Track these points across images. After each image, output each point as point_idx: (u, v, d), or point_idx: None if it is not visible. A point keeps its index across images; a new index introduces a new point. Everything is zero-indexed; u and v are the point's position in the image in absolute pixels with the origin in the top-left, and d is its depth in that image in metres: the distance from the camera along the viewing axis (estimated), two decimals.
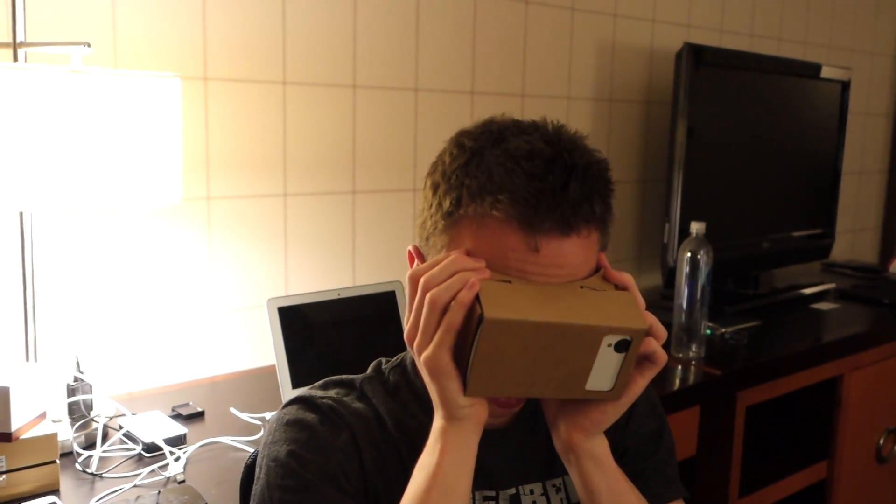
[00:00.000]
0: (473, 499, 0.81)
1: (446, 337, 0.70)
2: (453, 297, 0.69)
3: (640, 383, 0.75)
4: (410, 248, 0.83)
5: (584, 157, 0.74)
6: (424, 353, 0.71)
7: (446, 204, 0.76)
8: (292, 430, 0.80)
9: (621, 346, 0.72)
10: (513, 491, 0.84)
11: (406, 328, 0.75)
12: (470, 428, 0.74)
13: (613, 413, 0.77)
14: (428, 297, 0.71)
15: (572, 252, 0.73)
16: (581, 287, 0.74)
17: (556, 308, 0.70)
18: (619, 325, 0.71)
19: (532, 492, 0.85)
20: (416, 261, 0.82)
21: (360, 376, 0.87)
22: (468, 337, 0.69)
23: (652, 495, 0.87)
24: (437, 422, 0.75)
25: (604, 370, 0.73)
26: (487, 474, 0.83)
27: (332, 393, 0.85)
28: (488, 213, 0.72)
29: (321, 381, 0.87)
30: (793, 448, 2.02)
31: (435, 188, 0.78)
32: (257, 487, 0.80)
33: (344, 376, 0.88)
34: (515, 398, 0.80)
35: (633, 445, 0.91)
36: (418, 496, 0.73)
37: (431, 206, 0.78)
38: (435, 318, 0.70)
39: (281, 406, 0.85)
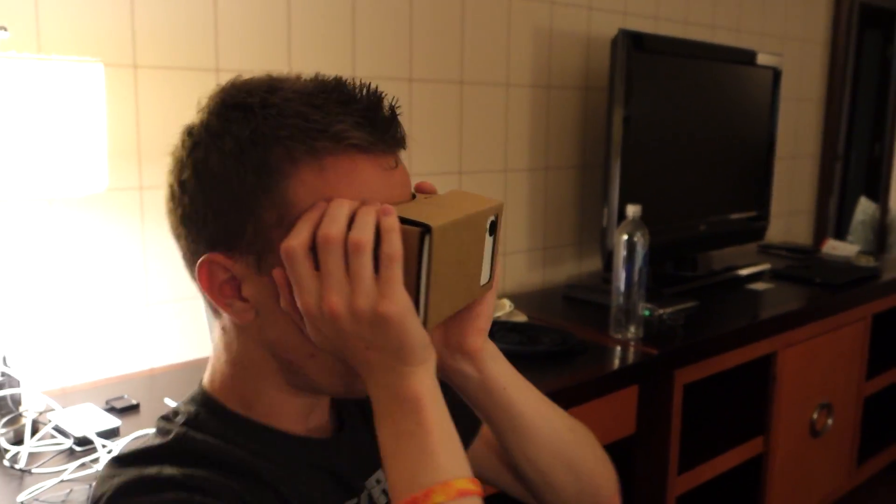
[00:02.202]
0: None
1: (395, 273, 0.61)
2: (375, 232, 0.61)
3: (498, 269, 0.76)
4: (202, 261, 0.66)
5: (363, 83, 0.68)
6: (378, 305, 0.61)
7: (268, 161, 0.63)
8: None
9: (492, 228, 0.72)
10: (365, 489, 0.78)
11: (301, 300, 0.62)
12: (434, 370, 0.66)
13: (493, 302, 0.77)
14: (351, 242, 0.60)
15: (404, 166, 0.70)
16: (425, 197, 0.72)
17: (448, 209, 0.66)
18: (492, 205, 0.71)
19: (378, 481, 0.80)
20: (220, 273, 0.66)
21: (171, 441, 0.68)
22: (408, 270, 0.62)
23: None
24: (396, 382, 0.64)
25: (486, 262, 0.72)
26: (344, 483, 0.76)
27: (172, 471, 0.64)
28: (328, 152, 0.64)
29: (139, 476, 0.63)
30: (729, 424, 2.07)
31: (233, 162, 0.64)
32: None
33: (149, 448, 0.67)
34: None
35: None
36: (427, 466, 0.62)
37: (236, 183, 0.64)
38: (367, 263, 0.61)
39: (99, 478, 0.65)
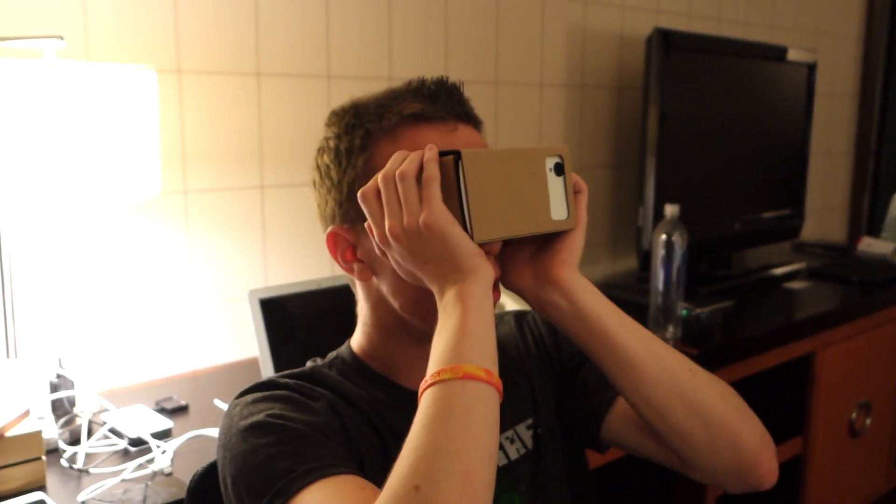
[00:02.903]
0: None
1: (433, 190, 0.71)
2: (420, 165, 0.72)
3: (584, 211, 0.81)
4: (328, 234, 0.84)
5: (444, 78, 0.84)
6: (421, 217, 0.70)
7: (356, 144, 0.81)
8: (262, 403, 0.76)
9: (559, 169, 0.78)
10: None
11: (376, 233, 0.74)
12: (485, 281, 0.72)
13: (579, 241, 0.80)
14: (397, 174, 0.72)
15: (473, 134, 0.83)
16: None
17: (499, 149, 0.77)
18: (549, 148, 0.79)
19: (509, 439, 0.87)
20: (341, 242, 0.83)
21: (304, 368, 0.85)
22: (451, 192, 0.72)
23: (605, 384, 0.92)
24: (449, 289, 0.72)
25: (557, 199, 0.78)
26: None
27: (287, 380, 0.81)
28: (398, 123, 0.80)
29: (265, 379, 0.82)
30: (767, 424, 2.05)
31: (335, 154, 0.82)
32: (229, 462, 0.73)
33: (286, 371, 0.84)
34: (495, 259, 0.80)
35: (572, 363, 0.96)
36: (449, 351, 0.68)
37: (338, 169, 0.82)
38: (412, 187, 0.72)
39: (234, 398, 0.80)
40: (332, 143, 0.84)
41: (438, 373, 0.66)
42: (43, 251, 1.36)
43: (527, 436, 0.90)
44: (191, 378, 1.52)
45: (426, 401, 0.65)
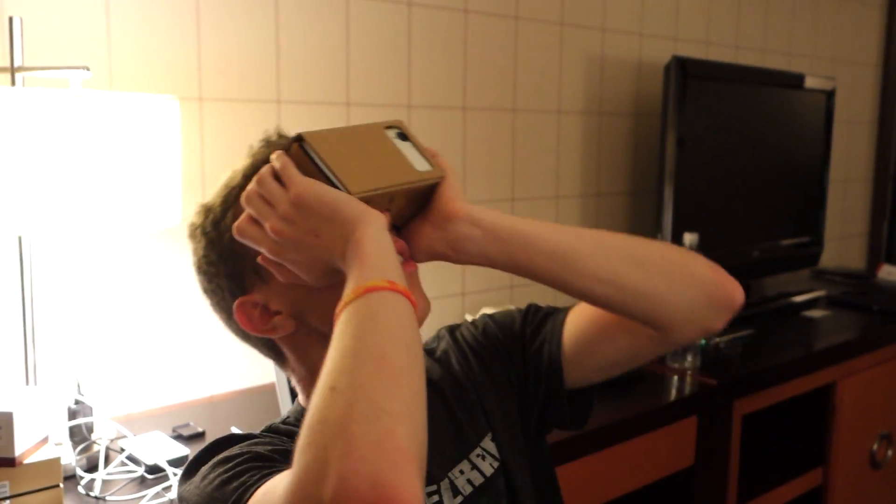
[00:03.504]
0: None
1: (290, 172, 0.72)
2: (271, 170, 0.74)
3: (446, 163, 0.81)
4: (235, 308, 0.81)
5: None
6: (290, 196, 0.71)
7: (217, 218, 0.82)
8: (219, 466, 0.73)
9: (403, 137, 0.80)
10: (446, 480, 0.83)
11: (267, 250, 0.73)
12: (376, 221, 0.70)
13: (456, 184, 0.80)
14: (255, 182, 0.73)
15: None
16: None
17: (336, 127, 0.78)
18: (384, 122, 0.81)
19: (462, 472, 0.84)
20: (249, 307, 0.80)
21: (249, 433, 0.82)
22: (310, 172, 0.73)
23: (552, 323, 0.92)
24: (346, 244, 0.69)
25: (415, 157, 0.79)
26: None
27: (240, 433, 0.80)
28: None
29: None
30: (788, 455, 2.03)
31: (206, 243, 0.83)
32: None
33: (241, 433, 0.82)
34: (407, 254, 0.80)
35: (522, 341, 0.94)
36: (351, 282, 0.66)
37: (213, 249, 0.82)
38: (271, 183, 0.73)
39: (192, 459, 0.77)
40: (200, 249, 0.83)
41: (344, 304, 0.64)
42: (63, 277, 1.37)
43: (492, 447, 0.88)
44: (207, 404, 1.52)
45: (335, 329, 0.63)
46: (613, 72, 2.23)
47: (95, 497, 1.12)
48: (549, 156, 2.11)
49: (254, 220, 0.74)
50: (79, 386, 1.25)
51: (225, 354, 1.57)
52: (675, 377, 1.71)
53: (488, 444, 0.88)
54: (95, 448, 1.23)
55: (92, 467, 1.19)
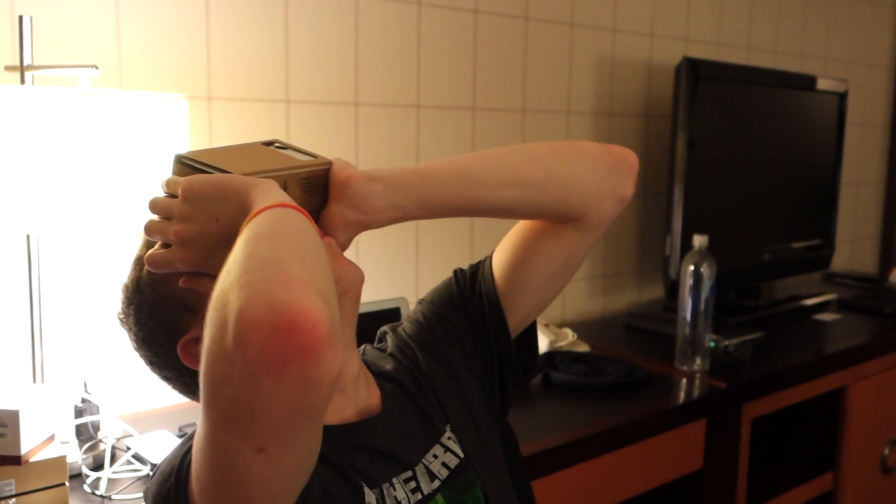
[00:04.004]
0: (393, 485, 0.79)
1: (176, 180, 0.72)
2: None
3: (326, 157, 0.80)
4: (179, 350, 0.79)
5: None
6: (179, 193, 0.69)
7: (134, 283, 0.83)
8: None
9: (282, 148, 0.81)
10: (421, 465, 0.83)
11: (181, 259, 0.70)
12: (267, 187, 0.68)
13: (346, 162, 0.80)
14: (149, 209, 0.73)
15: None
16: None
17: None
18: (261, 140, 0.82)
19: (436, 456, 0.84)
20: (190, 346, 0.79)
21: None
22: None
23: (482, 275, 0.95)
24: (243, 211, 0.66)
25: (297, 155, 0.80)
26: (396, 457, 0.81)
27: None
28: None
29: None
30: (798, 460, 2.02)
31: (137, 310, 0.83)
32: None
33: None
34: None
35: (447, 318, 0.95)
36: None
37: (139, 309, 0.82)
38: (160, 199, 0.72)
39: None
40: (132, 321, 0.83)
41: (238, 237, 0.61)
42: (71, 275, 1.37)
43: (453, 445, 0.87)
44: None
45: None
46: (624, 73, 2.22)
47: (101, 496, 1.12)
48: None
49: (161, 246, 0.72)
50: (85, 384, 1.25)
51: None
52: (684, 380, 1.70)
53: (446, 440, 0.88)
54: (102, 447, 1.23)
55: (98, 466, 1.20)
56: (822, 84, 2.47)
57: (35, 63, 1.23)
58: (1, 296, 1.31)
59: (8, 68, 1.23)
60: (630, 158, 0.92)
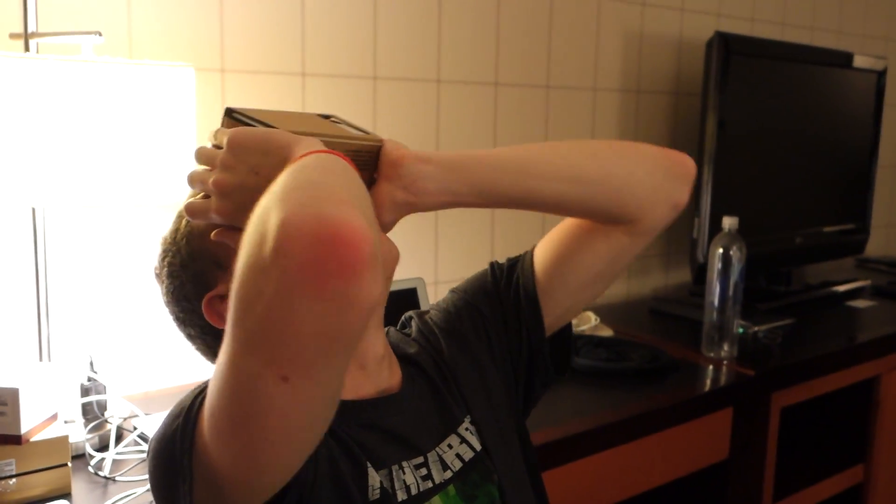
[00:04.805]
0: (402, 469, 0.76)
1: (224, 130, 0.70)
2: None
3: (379, 135, 0.79)
4: (204, 306, 0.78)
5: None
6: (224, 144, 0.68)
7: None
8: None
9: (326, 117, 0.80)
10: (434, 453, 0.80)
11: (217, 210, 0.69)
12: (312, 144, 0.65)
13: (397, 142, 0.78)
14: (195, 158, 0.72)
15: None
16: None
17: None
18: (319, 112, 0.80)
19: (451, 446, 0.82)
20: (216, 303, 0.78)
21: None
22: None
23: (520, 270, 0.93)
24: (284, 164, 0.63)
25: (350, 130, 0.78)
26: (409, 442, 0.79)
27: None
28: None
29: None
30: (828, 451, 1.95)
31: (171, 258, 0.82)
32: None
33: None
34: None
35: (478, 307, 0.93)
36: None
37: (177, 263, 0.81)
38: (205, 149, 0.71)
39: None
40: (165, 275, 0.82)
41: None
42: (78, 251, 1.34)
43: (471, 437, 0.84)
44: None
45: None
46: (653, 48, 2.14)
47: (105, 476, 1.09)
48: (584, 135, 2.04)
49: (201, 198, 0.71)
50: (92, 363, 1.22)
51: None
52: (711, 367, 1.64)
53: (464, 432, 0.85)
54: (108, 427, 1.20)
55: (104, 446, 1.16)
56: (860, 61, 2.37)
57: (40, 30, 1.19)
58: (7, 272, 1.28)
59: (12, 36, 1.19)
60: (688, 164, 0.90)
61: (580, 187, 0.83)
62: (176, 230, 0.82)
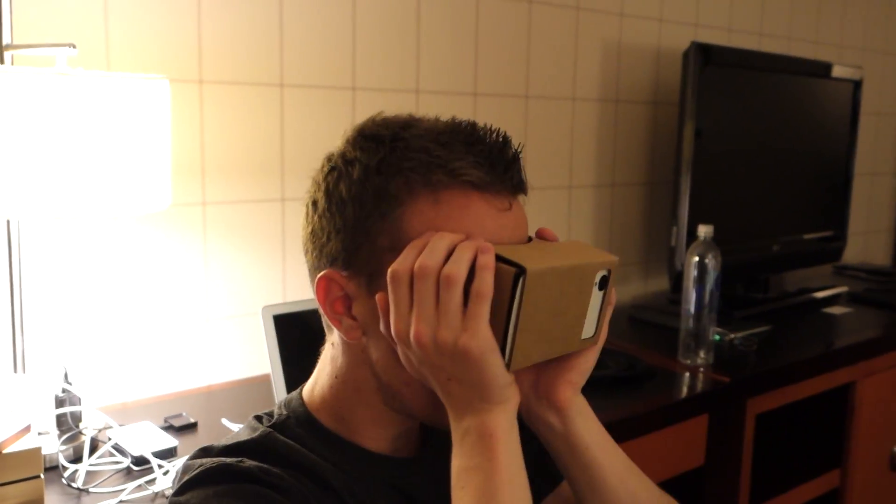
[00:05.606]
0: None
1: (482, 309, 0.62)
2: (469, 268, 0.63)
3: (606, 326, 0.74)
4: (321, 276, 0.71)
5: (494, 128, 0.71)
6: (461, 339, 0.62)
7: (391, 191, 0.67)
8: (226, 501, 0.64)
9: (603, 283, 0.71)
10: None
11: (395, 324, 0.65)
12: (513, 410, 0.66)
13: (593, 359, 0.74)
14: (443, 275, 0.62)
15: (523, 210, 0.73)
16: (539, 242, 0.73)
17: (554, 256, 0.68)
18: (603, 260, 0.70)
19: None
20: (335, 289, 0.71)
21: (257, 435, 0.72)
22: (498, 309, 0.64)
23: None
24: (472, 417, 0.65)
25: (591, 316, 0.71)
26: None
27: (250, 464, 0.68)
28: (447, 185, 0.67)
29: (221, 462, 0.68)
30: (804, 457, 1.97)
31: (359, 190, 0.68)
32: None
33: (236, 441, 0.72)
34: None
35: None
36: (485, 499, 0.62)
37: (359, 209, 0.68)
38: (457, 296, 0.62)
39: (180, 481, 0.68)
40: (356, 174, 0.69)
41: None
42: (53, 262, 1.34)
43: None
44: (204, 394, 1.49)
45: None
46: (631, 58, 2.16)
47: (78, 488, 1.09)
48: (563, 144, 2.05)
49: (412, 287, 0.64)
50: (66, 374, 1.22)
51: (222, 344, 1.54)
52: (687, 373, 1.65)
53: None
54: (82, 438, 1.20)
55: (78, 458, 1.16)
56: (837, 71, 2.40)
57: (15, 42, 1.19)
58: None
59: None
60: None
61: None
62: (380, 196, 0.68)
